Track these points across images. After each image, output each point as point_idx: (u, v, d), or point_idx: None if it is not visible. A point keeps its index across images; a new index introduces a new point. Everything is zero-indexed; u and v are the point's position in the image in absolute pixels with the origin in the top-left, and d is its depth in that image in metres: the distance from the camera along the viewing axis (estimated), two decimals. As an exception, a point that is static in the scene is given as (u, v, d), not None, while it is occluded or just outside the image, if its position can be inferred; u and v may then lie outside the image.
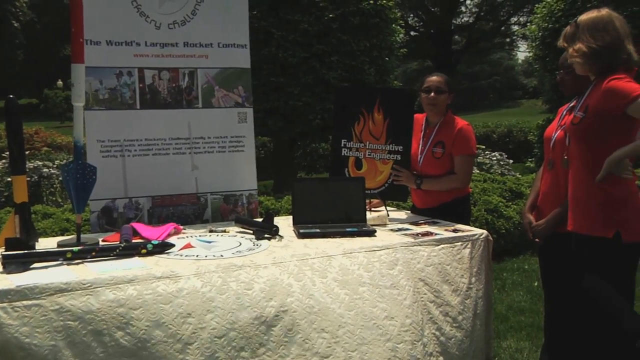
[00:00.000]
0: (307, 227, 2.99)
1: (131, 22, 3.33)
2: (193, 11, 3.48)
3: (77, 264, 2.35)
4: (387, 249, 2.75)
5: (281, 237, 2.89)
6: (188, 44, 3.46)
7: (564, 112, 3.22)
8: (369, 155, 3.55)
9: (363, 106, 3.52)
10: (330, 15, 7.86)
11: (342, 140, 3.56)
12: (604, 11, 2.77)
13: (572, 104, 3.13)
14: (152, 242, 2.57)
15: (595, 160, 2.68)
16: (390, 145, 3.51)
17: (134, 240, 2.71)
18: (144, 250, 2.50)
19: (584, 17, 2.78)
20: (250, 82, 3.63)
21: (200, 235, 2.95)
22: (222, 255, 2.52)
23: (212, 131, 3.51)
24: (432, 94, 3.57)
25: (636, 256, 2.76)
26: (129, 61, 3.33)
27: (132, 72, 3.33)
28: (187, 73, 3.46)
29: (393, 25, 8.85)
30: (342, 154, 3.57)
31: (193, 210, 3.48)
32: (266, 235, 2.89)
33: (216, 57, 3.52)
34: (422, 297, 2.71)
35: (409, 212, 3.75)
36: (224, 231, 3.06)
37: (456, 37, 42.23)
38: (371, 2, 8.25)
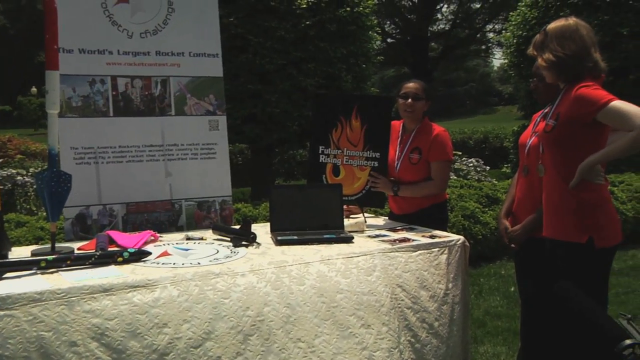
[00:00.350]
0: (284, 234, 2.98)
1: (103, 31, 3.38)
2: (164, 21, 3.54)
3: (52, 273, 2.31)
4: (365, 255, 2.75)
5: (259, 244, 2.88)
6: (160, 53, 3.52)
7: (538, 119, 3.25)
8: (346, 162, 3.56)
9: (341, 113, 3.53)
10: (307, 23, 7.89)
11: (320, 147, 3.57)
12: (572, 20, 2.81)
13: (545, 111, 3.16)
14: (129, 250, 2.54)
15: (568, 167, 2.71)
16: (368, 152, 3.53)
17: (110, 249, 2.68)
18: (120, 259, 2.47)
19: (552, 25, 2.82)
20: (223, 90, 3.69)
21: (177, 243, 2.93)
22: (199, 263, 2.49)
23: (185, 138, 3.55)
24: (410, 100, 3.60)
25: (609, 261, 2.80)
26: (101, 69, 3.36)
27: (105, 80, 3.37)
28: (160, 81, 3.51)
29: (370, 33, 8.91)
30: (320, 161, 3.58)
31: (167, 217, 3.49)
32: (244, 243, 2.87)
33: (188, 65, 3.58)
34: (399, 304, 2.71)
35: (387, 218, 3.76)
36: (201, 239, 3.04)
37: (432, 44, 42.54)
38: (348, 9, 8.30)
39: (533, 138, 3.20)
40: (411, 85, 3.64)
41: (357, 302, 2.58)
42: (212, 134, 3.62)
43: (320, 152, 3.57)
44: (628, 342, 2.47)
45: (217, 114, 3.66)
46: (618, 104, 2.57)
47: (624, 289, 5.70)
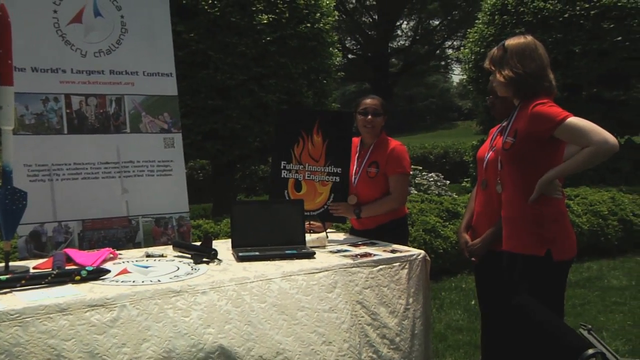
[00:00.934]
0: (246, 250, 2.97)
1: (56, 50, 3.41)
2: (118, 41, 3.60)
3: (5, 293, 2.24)
4: (327, 271, 2.75)
5: (220, 260, 2.86)
6: (114, 72, 3.57)
7: (495, 133, 3.30)
8: (308, 177, 3.57)
9: (303, 128, 3.56)
10: (268, 39, 7.89)
11: (282, 162, 3.58)
12: (529, 38, 2.86)
13: (503, 125, 3.19)
14: (87, 268, 2.48)
15: (527, 182, 2.75)
16: (329, 167, 3.55)
17: (67, 267, 2.61)
18: (77, 277, 2.41)
19: (511, 42, 2.86)
20: (178, 108, 3.76)
21: (136, 260, 2.89)
22: (159, 280, 2.46)
23: (140, 155, 3.58)
24: (369, 116, 3.63)
25: (566, 273, 2.85)
26: (55, 87, 3.38)
27: (59, 98, 3.38)
28: (114, 99, 3.54)
29: (330, 49, 8.97)
30: (282, 176, 3.58)
31: (125, 233, 3.48)
32: (204, 259, 2.84)
33: (142, 84, 3.64)
34: (359, 320, 2.72)
35: (348, 233, 3.77)
36: (162, 255, 3.00)
37: (393, 60, 43.01)
38: (309, 25, 8.34)
39: (490, 153, 3.23)
40: (369, 101, 3.68)
41: (318, 319, 2.58)
42: (168, 152, 3.66)
43: (282, 167, 3.58)
44: (591, 351, 2.52)
45: (172, 131, 3.70)
46: (574, 120, 2.64)
47: (580, 300, 5.82)
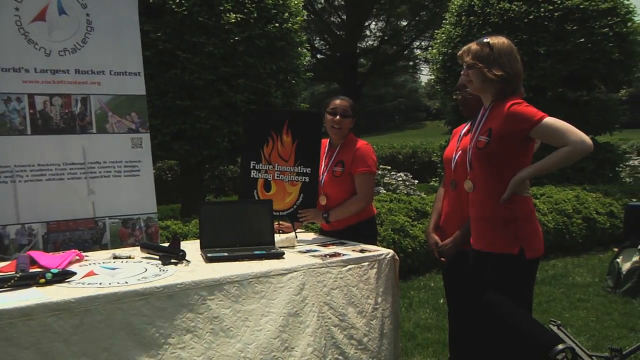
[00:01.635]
0: (214, 250, 2.95)
1: (19, 49, 3.33)
2: (83, 39, 3.53)
3: (-34, 297, 2.18)
4: (295, 271, 2.74)
5: (188, 261, 2.83)
6: (80, 71, 3.50)
7: (462, 133, 3.30)
8: (277, 177, 3.55)
9: (272, 128, 3.54)
10: (236, 38, 7.84)
11: (252, 162, 3.57)
12: (506, 39, 2.87)
13: (467, 127, 3.21)
14: (52, 270, 2.43)
15: (500, 182, 2.77)
16: (299, 167, 3.54)
17: (31, 270, 2.55)
18: (42, 280, 2.36)
19: (495, 41, 2.84)
20: (146, 108, 3.70)
21: (103, 262, 2.84)
22: (126, 282, 2.42)
23: (107, 156, 3.53)
24: (338, 117, 3.63)
25: (535, 271, 2.88)
26: (18, 87, 3.31)
27: (22, 98, 3.31)
28: (80, 99, 3.48)
29: (299, 49, 8.94)
30: (252, 176, 3.57)
31: (91, 235, 3.43)
32: (173, 260, 2.81)
33: (109, 84, 3.58)
34: (326, 322, 2.72)
35: (318, 233, 3.77)
36: (129, 257, 2.96)
37: (362, 60, 43.13)
38: (277, 25, 8.31)
39: (459, 153, 3.23)
40: (339, 102, 3.68)
41: (282, 325, 2.58)
42: (136, 152, 3.61)
43: (251, 167, 3.57)
44: (560, 346, 2.57)
45: (140, 131, 3.65)
46: (551, 120, 2.68)
47: (546, 297, 5.91)
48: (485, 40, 2.86)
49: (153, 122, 7.08)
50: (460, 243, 3.22)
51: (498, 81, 2.80)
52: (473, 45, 2.89)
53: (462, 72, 3.05)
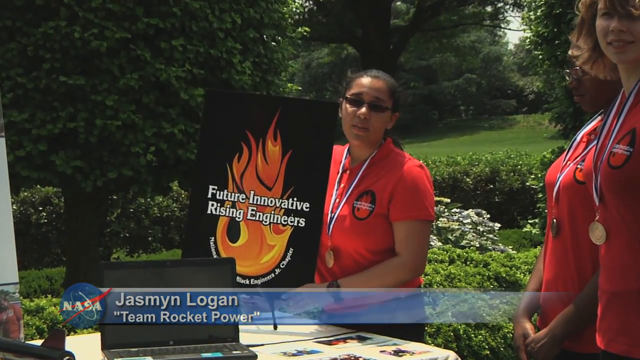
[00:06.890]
0: (128, 353, 2.18)
1: None
2: None
3: None
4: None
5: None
6: None
7: (577, 137, 2.43)
8: (251, 216, 2.58)
9: (247, 128, 2.56)
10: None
11: (210, 188, 2.60)
12: None
13: (590, 126, 2.39)
14: None
15: None
16: (291, 200, 2.55)
17: None
18: None
19: None
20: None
21: None
22: None
23: None
24: (364, 109, 2.48)
25: None
26: None
27: None
28: None
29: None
30: (208, 213, 2.60)
31: None
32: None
33: None
34: None
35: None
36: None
37: (398, 2, 26.91)
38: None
39: (567, 170, 2.34)
40: (369, 82, 2.54)
41: None
42: None
43: (208, 196, 2.59)
44: None
45: None
46: None
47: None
48: None
49: (15, 117, 5.08)
50: (563, 335, 2.28)
51: None
52: None
53: (571, 36, 2.12)
